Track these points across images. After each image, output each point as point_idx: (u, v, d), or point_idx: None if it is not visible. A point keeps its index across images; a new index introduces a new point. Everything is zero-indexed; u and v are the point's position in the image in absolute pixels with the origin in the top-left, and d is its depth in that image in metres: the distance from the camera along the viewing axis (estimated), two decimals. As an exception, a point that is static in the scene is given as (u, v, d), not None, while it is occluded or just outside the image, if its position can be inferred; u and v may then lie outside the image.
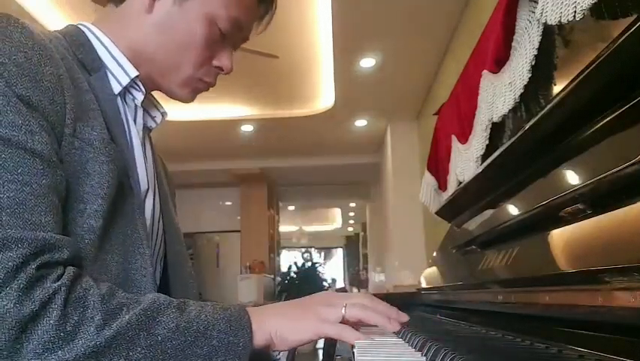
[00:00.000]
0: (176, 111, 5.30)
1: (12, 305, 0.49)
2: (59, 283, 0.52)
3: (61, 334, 0.51)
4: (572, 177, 0.66)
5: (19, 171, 0.54)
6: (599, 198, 0.55)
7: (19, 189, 0.53)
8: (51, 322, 0.50)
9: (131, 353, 0.53)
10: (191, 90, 0.80)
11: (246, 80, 4.54)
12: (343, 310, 0.65)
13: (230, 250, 7.84)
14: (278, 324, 0.63)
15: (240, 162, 6.97)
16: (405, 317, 0.69)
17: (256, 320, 0.62)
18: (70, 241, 0.57)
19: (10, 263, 0.50)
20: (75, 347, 0.51)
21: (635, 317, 0.41)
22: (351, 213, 12.61)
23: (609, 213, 0.49)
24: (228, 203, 8.17)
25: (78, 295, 0.53)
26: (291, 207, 11.33)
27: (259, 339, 0.61)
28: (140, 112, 0.77)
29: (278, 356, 0.73)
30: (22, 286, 0.50)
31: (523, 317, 0.67)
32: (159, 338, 0.55)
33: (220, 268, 7.98)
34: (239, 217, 7.77)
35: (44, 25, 3.37)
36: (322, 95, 4.99)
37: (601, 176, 0.53)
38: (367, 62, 4.02)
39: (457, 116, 1.62)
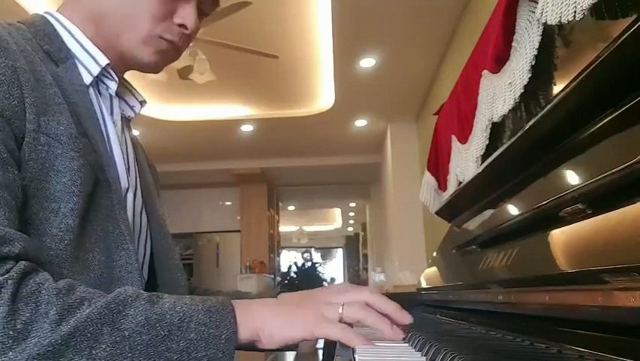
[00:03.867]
0: (176, 111, 5.30)
1: None
2: (5, 276, 0.47)
3: (11, 332, 0.45)
4: (572, 177, 0.66)
5: None
6: (599, 198, 0.55)
7: None
8: None
9: (94, 351, 0.48)
10: (154, 51, 0.73)
11: (246, 80, 4.54)
12: (340, 310, 0.61)
13: (230, 250, 7.84)
14: (266, 319, 0.57)
15: (240, 162, 6.97)
16: (408, 319, 0.65)
17: (242, 312, 0.56)
18: (25, 238, 0.52)
19: None
20: (28, 347, 0.45)
21: (635, 317, 0.41)
22: (351, 213, 12.61)
23: (609, 213, 0.49)
24: (228, 203, 8.17)
25: (30, 290, 0.48)
26: (291, 207, 11.33)
27: (244, 333, 0.56)
28: (115, 102, 0.74)
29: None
30: None
31: (523, 316, 0.67)
32: (126, 333, 0.49)
33: (220, 268, 7.98)
34: (239, 217, 7.77)
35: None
36: (322, 95, 4.99)
37: (601, 176, 0.53)
38: (367, 62, 4.02)
39: (457, 116, 1.62)
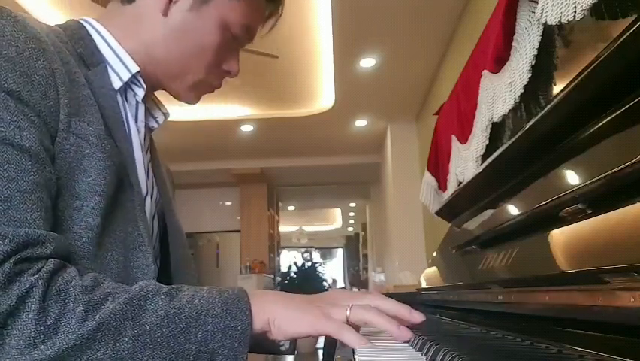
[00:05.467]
0: (176, 111, 5.30)
1: None
2: (37, 276, 0.50)
3: (42, 328, 0.49)
4: (572, 177, 0.66)
5: (4, 167, 0.53)
6: (599, 198, 0.55)
7: (4, 185, 0.52)
8: (30, 316, 0.49)
9: (118, 345, 0.51)
10: (198, 94, 0.81)
11: (246, 80, 4.54)
12: (348, 311, 0.62)
13: (230, 250, 7.84)
14: (277, 312, 0.60)
15: (240, 162, 6.97)
16: (420, 317, 0.65)
17: (256, 303, 0.59)
18: (57, 237, 0.55)
19: None
20: (57, 341, 0.49)
21: (635, 317, 0.41)
22: (351, 213, 12.62)
23: (609, 213, 0.49)
24: (228, 203, 8.17)
25: (58, 288, 0.51)
26: (291, 207, 11.33)
27: (257, 323, 0.58)
28: (141, 109, 0.76)
29: (282, 343, 0.71)
30: None
31: (524, 316, 0.67)
32: (147, 327, 0.53)
33: (220, 268, 7.98)
34: (239, 217, 7.77)
35: (44, 25, 3.36)
36: (322, 95, 4.99)
37: (601, 176, 0.53)
38: (367, 62, 4.02)
39: (457, 116, 1.62)
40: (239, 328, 0.56)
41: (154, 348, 0.52)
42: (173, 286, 0.58)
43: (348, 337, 0.60)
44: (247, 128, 5.76)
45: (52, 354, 0.49)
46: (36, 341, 0.48)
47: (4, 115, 0.54)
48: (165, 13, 0.73)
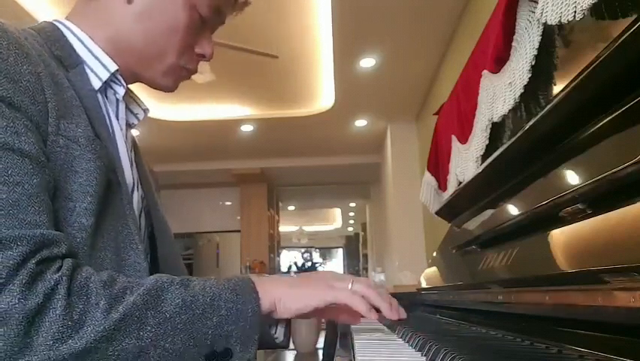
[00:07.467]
0: (176, 111, 5.30)
1: (16, 301, 0.49)
2: (59, 273, 0.52)
3: (69, 323, 0.51)
4: (572, 177, 0.66)
5: (9, 172, 0.54)
6: (599, 198, 0.55)
7: (11, 190, 0.53)
8: (57, 312, 0.51)
9: (141, 333, 0.54)
10: (175, 79, 0.79)
11: (246, 80, 4.54)
12: (350, 285, 0.66)
13: (230, 250, 7.84)
14: (282, 291, 0.64)
15: (240, 162, 6.97)
16: (403, 314, 0.70)
17: (261, 287, 0.62)
18: (66, 237, 0.57)
19: (11, 262, 0.50)
20: (85, 335, 0.51)
21: (635, 317, 0.41)
22: (351, 213, 12.61)
23: (609, 213, 0.49)
24: (228, 203, 8.17)
25: (80, 284, 0.54)
26: (291, 207, 11.33)
27: (264, 305, 0.62)
28: (122, 107, 0.76)
29: (276, 336, 0.72)
30: (24, 281, 0.50)
31: (523, 316, 0.67)
32: (167, 315, 0.56)
33: (220, 268, 7.97)
34: (239, 217, 7.76)
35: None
36: (322, 95, 4.99)
37: (601, 176, 0.53)
38: (367, 62, 4.02)
39: (457, 116, 1.62)
40: (249, 311, 0.60)
41: (174, 334, 0.56)
42: (183, 277, 0.61)
43: (359, 303, 0.64)
44: (247, 128, 5.76)
45: (81, 347, 0.51)
46: (64, 335, 0.50)
47: (1, 122, 0.55)
48: (129, 1, 0.73)
